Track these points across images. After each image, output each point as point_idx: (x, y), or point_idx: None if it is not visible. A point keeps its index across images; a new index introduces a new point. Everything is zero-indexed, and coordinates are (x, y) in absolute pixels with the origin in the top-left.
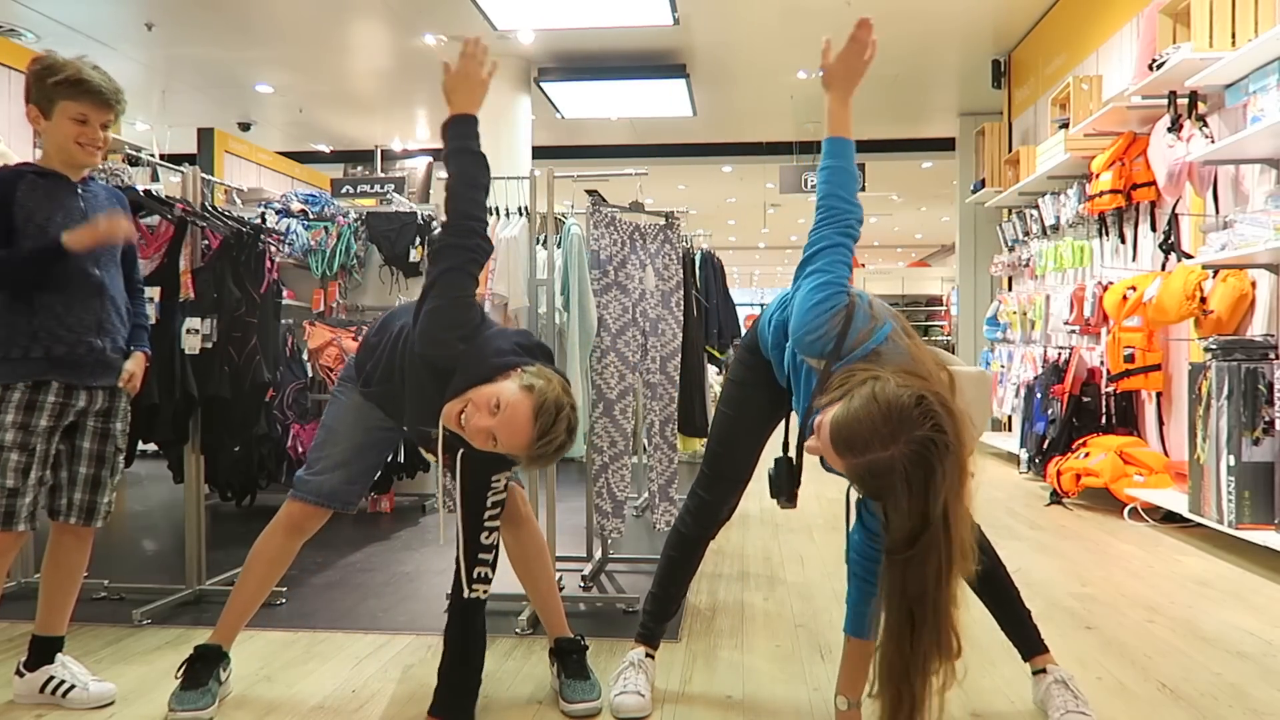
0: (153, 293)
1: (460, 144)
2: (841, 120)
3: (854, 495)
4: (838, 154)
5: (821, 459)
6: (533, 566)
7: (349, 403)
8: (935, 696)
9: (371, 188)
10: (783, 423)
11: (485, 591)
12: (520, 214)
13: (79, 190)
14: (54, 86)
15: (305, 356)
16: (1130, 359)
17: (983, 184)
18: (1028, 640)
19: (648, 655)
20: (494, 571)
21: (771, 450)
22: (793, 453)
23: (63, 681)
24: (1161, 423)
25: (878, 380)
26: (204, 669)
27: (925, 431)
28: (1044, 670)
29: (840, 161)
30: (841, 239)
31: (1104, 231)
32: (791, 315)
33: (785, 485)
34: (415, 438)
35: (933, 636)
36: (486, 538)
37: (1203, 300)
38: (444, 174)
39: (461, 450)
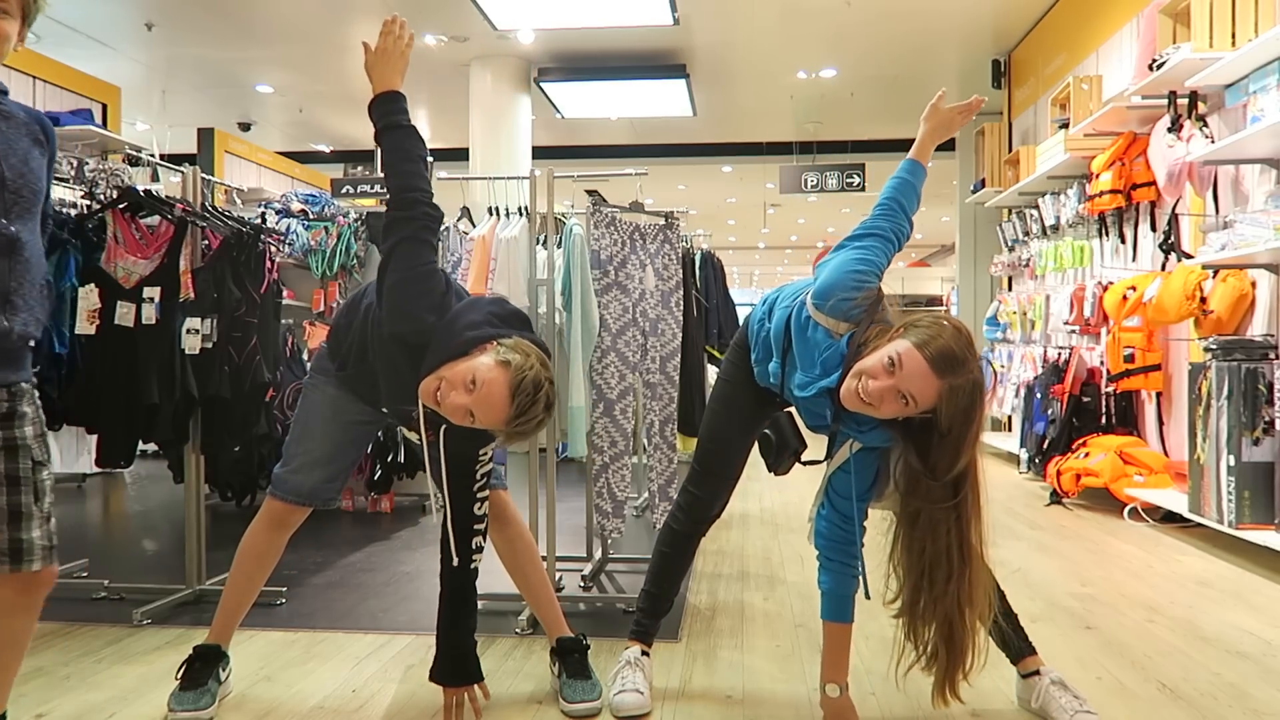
0: (153, 293)
1: (389, 120)
2: (926, 150)
3: (829, 472)
4: (913, 173)
5: (825, 422)
6: (524, 565)
7: (322, 398)
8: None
9: (371, 188)
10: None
11: (479, 560)
12: (520, 214)
13: None
14: None
15: (305, 356)
16: (1130, 359)
17: (983, 184)
18: (1017, 643)
19: (644, 653)
20: (485, 540)
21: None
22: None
23: None
24: (1161, 423)
25: (933, 314)
26: (203, 669)
27: (978, 356)
28: (1036, 672)
29: (912, 179)
30: (893, 235)
31: (1104, 231)
32: (822, 275)
33: (794, 439)
34: (395, 416)
35: (980, 570)
36: (479, 508)
37: (1203, 300)
38: (444, 174)
39: (444, 426)
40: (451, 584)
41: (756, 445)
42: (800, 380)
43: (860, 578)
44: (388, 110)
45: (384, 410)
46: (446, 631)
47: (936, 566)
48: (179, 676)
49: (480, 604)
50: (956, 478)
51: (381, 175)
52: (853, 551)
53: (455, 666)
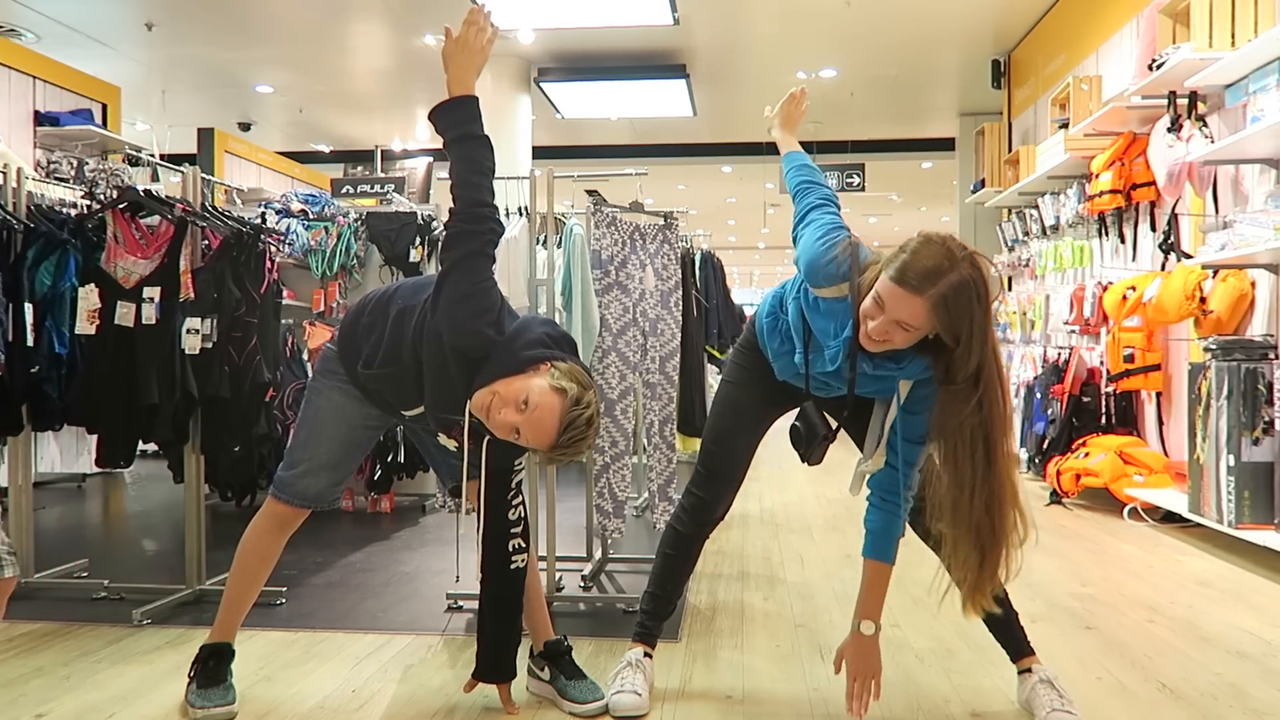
0: (153, 293)
1: (465, 130)
2: (790, 145)
3: (893, 420)
4: (797, 160)
5: (861, 364)
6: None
7: (328, 403)
8: (1015, 550)
9: (371, 188)
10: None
11: (524, 560)
12: (520, 214)
13: None
14: None
15: (305, 356)
16: (1130, 359)
17: (983, 184)
18: (1014, 642)
19: (646, 655)
20: (528, 541)
21: (769, 450)
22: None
23: None
24: (1161, 423)
25: (919, 233)
26: (218, 666)
27: (973, 251)
28: (1029, 670)
29: (801, 161)
30: (824, 200)
31: (1104, 231)
32: (800, 262)
33: (822, 426)
34: (436, 424)
35: (1007, 476)
36: (514, 514)
37: (1202, 300)
38: (444, 174)
39: (487, 438)
40: (491, 587)
41: (789, 439)
42: (830, 354)
43: (904, 520)
44: (464, 118)
45: (404, 414)
46: (489, 630)
47: (963, 469)
48: (194, 674)
49: None
50: (974, 375)
51: (450, 182)
52: (906, 495)
53: (497, 663)
